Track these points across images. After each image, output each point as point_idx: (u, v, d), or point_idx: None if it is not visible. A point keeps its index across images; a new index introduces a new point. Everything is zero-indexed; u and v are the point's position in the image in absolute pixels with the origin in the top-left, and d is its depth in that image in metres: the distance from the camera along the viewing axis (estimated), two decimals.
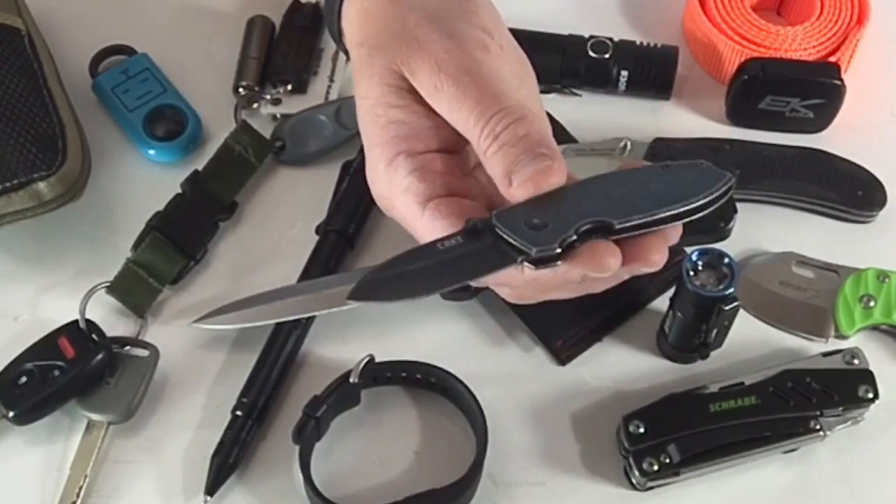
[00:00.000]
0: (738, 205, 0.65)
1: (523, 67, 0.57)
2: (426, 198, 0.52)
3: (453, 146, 0.55)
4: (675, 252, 0.66)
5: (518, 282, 0.53)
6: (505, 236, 0.49)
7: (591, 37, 0.73)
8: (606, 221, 0.50)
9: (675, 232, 0.53)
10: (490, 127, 0.51)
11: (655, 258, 0.51)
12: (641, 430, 0.59)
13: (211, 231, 0.68)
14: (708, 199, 0.51)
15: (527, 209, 0.50)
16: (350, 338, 0.65)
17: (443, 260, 0.50)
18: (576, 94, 0.74)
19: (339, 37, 0.60)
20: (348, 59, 0.62)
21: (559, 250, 0.49)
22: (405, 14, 0.54)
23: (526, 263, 0.49)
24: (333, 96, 0.74)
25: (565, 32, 0.74)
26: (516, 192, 0.50)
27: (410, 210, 0.53)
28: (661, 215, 0.51)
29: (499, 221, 0.50)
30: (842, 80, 0.70)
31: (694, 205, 0.51)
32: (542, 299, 0.57)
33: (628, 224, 0.51)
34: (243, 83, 0.73)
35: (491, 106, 0.51)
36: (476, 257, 0.49)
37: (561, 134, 0.70)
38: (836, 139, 0.72)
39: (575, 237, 0.50)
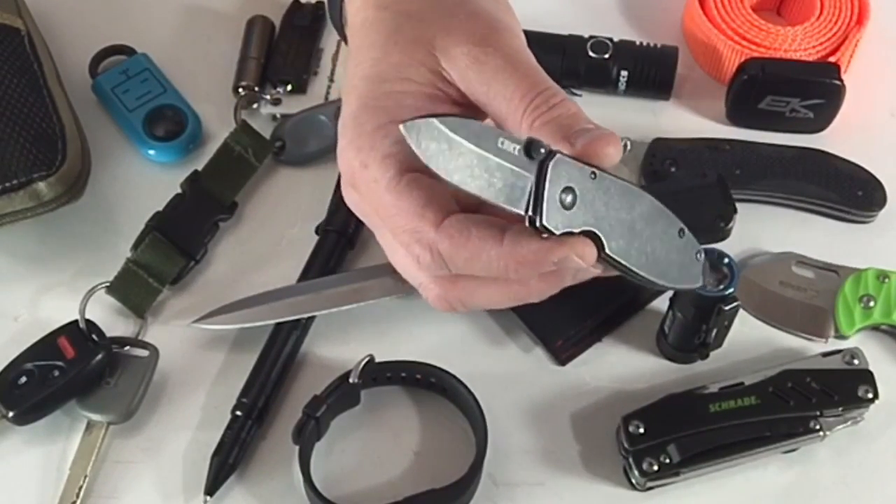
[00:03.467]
0: (738, 205, 0.65)
1: None
2: (407, 168, 0.51)
3: None
4: None
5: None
6: (541, 185, 0.48)
7: (591, 37, 0.73)
8: (601, 240, 0.50)
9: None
10: (543, 97, 0.50)
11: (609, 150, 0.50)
12: (641, 430, 0.59)
13: (211, 231, 0.68)
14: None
15: (578, 177, 0.49)
16: (350, 338, 0.65)
17: (491, 150, 0.48)
18: (576, 94, 0.74)
19: (338, 17, 0.59)
20: (342, 36, 0.61)
21: (557, 234, 0.48)
22: None
23: (528, 219, 0.48)
24: (333, 96, 0.74)
25: (565, 32, 0.74)
26: (572, 152, 0.49)
27: (385, 175, 0.51)
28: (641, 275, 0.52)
29: (556, 166, 0.48)
30: (842, 80, 0.70)
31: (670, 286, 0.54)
32: (533, 298, 0.56)
33: (611, 255, 0.50)
34: (243, 83, 0.73)
35: (542, 81, 0.51)
36: (511, 186, 0.48)
37: None
38: (836, 139, 0.72)
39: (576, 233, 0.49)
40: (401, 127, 0.48)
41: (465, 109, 0.55)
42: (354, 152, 0.53)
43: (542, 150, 0.48)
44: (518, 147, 0.48)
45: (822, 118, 0.72)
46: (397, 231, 0.53)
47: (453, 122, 0.48)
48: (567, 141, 0.50)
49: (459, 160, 0.48)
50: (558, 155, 0.48)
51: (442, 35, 0.52)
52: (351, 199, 0.57)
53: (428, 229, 0.51)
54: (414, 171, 0.51)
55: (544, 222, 0.48)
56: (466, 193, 0.48)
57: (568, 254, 0.49)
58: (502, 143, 0.48)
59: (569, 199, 0.48)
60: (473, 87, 0.53)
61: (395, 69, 0.53)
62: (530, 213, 0.48)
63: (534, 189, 0.48)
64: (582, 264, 0.49)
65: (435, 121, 0.48)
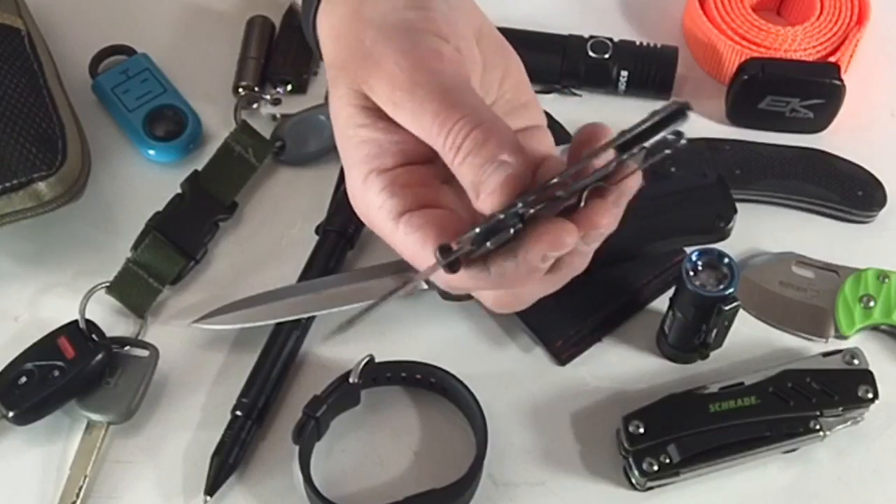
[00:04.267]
0: (738, 205, 0.65)
1: (501, 55, 0.55)
2: (398, 213, 0.51)
3: (424, 157, 0.53)
4: (675, 252, 0.67)
5: (486, 284, 0.52)
6: (455, 247, 0.48)
7: (591, 37, 0.73)
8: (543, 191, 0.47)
9: (627, 186, 0.49)
10: (451, 139, 0.49)
11: (603, 221, 0.49)
12: (641, 430, 0.59)
13: (211, 231, 0.68)
14: (648, 123, 0.47)
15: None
16: (350, 338, 0.65)
17: None
18: (576, 94, 0.74)
19: (318, 53, 0.60)
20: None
21: (511, 231, 0.47)
22: (363, 32, 0.53)
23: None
24: None
25: (565, 32, 0.74)
26: (483, 205, 0.49)
27: (386, 226, 0.52)
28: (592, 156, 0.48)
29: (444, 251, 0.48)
30: (842, 80, 0.70)
31: (630, 134, 0.47)
32: (522, 302, 0.55)
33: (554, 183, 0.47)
34: (243, 83, 0.73)
35: (450, 116, 0.50)
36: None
37: (561, 134, 0.70)
38: (836, 139, 0.72)
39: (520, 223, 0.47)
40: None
41: None
42: (359, 212, 0.54)
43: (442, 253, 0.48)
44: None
45: (822, 118, 0.72)
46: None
47: None
48: (475, 192, 0.49)
49: None
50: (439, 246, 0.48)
51: (364, 81, 0.52)
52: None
53: (433, 263, 0.51)
54: (405, 213, 0.51)
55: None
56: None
57: (538, 247, 0.48)
58: None
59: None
60: (405, 125, 0.52)
61: (349, 122, 0.53)
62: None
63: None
64: (559, 243, 0.48)
65: None
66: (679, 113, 0.46)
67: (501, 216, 0.47)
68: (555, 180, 0.47)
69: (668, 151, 0.46)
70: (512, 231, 0.47)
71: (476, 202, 0.49)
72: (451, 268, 0.48)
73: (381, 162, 0.52)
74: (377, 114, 0.53)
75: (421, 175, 0.53)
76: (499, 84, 0.55)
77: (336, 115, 0.54)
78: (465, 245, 0.47)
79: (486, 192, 0.48)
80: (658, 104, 0.75)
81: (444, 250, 0.48)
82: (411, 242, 0.51)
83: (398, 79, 0.51)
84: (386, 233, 0.52)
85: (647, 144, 0.46)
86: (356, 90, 0.53)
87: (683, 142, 0.46)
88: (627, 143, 0.47)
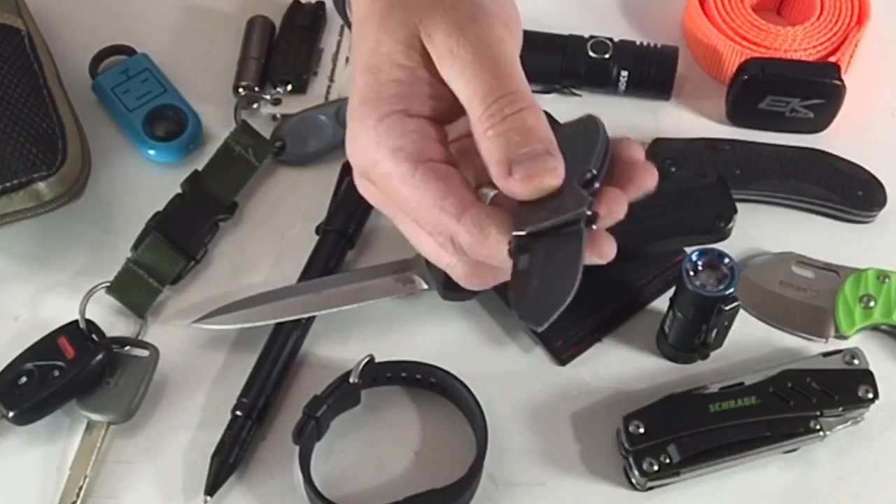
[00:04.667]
0: (738, 205, 0.65)
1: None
2: (418, 159, 0.50)
3: (443, 118, 0.53)
4: (675, 252, 0.67)
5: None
6: (553, 223, 0.48)
7: (591, 37, 0.73)
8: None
9: (645, 183, 0.51)
10: (498, 105, 0.49)
11: (617, 209, 0.50)
12: (641, 430, 0.59)
13: (211, 231, 0.68)
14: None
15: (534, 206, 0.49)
16: (350, 338, 0.65)
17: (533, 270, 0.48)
18: (576, 94, 0.74)
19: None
20: (348, 25, 0.60)
21: (583, 227, 0.48)
22: None
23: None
24: (333, 96, 0.74)
25: (565, 32, 0.74)
26: (514, 183, 0.48)
27: (399, 169, 0.50)
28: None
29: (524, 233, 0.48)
30: (842, 80, 0.70)
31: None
32: (497, 279, 0.55)
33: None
34: (243, 83, 0.73)
35: (504, 84, 0.50)
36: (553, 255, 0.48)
37: None
38: (836, 139, 0.72)
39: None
40: None
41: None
42: (362, 149, 0.52)
43: (522, 241, 0.48)
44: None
45: (822, 118, 0.72)
46: (420, 222, 0.52)
47: None
48: (508, 169, 0.49)
49: None
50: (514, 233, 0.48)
51: (426, 20, 0.52)
52: (366, 191, 0.56)
53: (448, 221, 0.50)
54: (427, 161, 0.50)
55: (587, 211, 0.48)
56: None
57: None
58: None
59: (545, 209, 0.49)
60: (448, 76, 0.51)
61: (386, 57, 0.52)
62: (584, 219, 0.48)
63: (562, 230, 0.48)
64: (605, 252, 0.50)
65: None
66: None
67: (571, 214, 0.47)
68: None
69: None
70: (584, 226, 0.48)
71: (504, 178, 0.49)
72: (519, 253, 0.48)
73: (411, 105, 0.51)
74: (420, 59, 0.52)
75: (437, 132, 0.52)
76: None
77: (372, 46, 0.53)
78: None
79: (523, 172, 0.48)
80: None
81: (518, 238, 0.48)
82: (430, 190, 0.50)
83: (466, 29, 0.50)
84: (396, 176, 0.51)
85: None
86: (411, 30, 0.52)
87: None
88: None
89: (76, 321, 0.63)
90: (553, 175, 0.49)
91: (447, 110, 0.52)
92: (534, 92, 0.53)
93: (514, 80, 0.50)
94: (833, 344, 0.64)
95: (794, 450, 0.61)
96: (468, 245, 0.50)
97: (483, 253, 0.50)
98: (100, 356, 0.62)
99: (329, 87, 0.74)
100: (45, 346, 0.62)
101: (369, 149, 0.52)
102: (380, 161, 0.51)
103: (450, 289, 0.63)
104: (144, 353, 0.63)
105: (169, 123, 0.71)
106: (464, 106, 0.51)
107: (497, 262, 0.51)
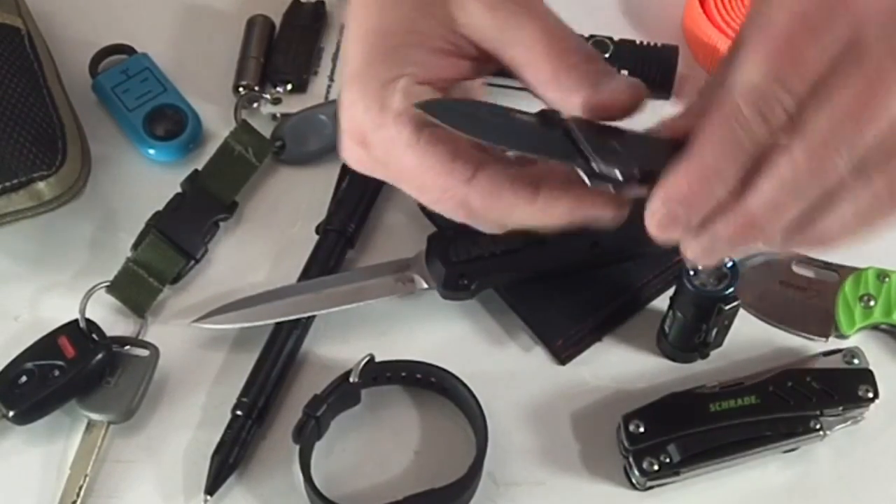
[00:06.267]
0: None
1: None
2: (424, 122, 0.49)
3: (447, 86, 0.53)
4: (675, 252, 0.66)
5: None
6: (575, 138, 0.47)
7: (591, 37, 0.73)
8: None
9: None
10: (567, 53, 0.50)
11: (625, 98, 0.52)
12: (641, 429, 0.59)
13: (211, 231, 0.68)
14: None
15: (598, 128, 0.49)
16: (350, 338, 0.65)
17: (513, 121, 0.48)
18: None
19: None
20: None
21: (621, 178, 0.47)
22: None
23: (581, 172, 0.48)
24: (333, 96, 0.74)
25: None
26: (599, 97, 0.49)
27: (403, 133, 0.49)
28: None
29: (574, 124, 0.48)
30: None
31: None
32: (501, 224, 0.53)
33: None
34: (243, 83, 0.73)
35: (564, 37, 0.51)
36: (544, 138, 0.47)
37: None
38: None
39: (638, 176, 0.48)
40: (415, 108, 0.48)
41: (477, 64, 0.53)
42: (363, 112, 0.51)
43: (554, 116, 0.48)
44: (530, 115, 0.48)
45: None
46: (423, 190, 0.51)
47: (466, 105, 0.49)
48: (592, 88, 0.49)
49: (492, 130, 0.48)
50: (572, 116, 0.48)
51: None
52: (355, 157, 0.54)
53: (458, 185, 0.49)
54: (433, 125, 0.49)
55: (604, 171, 0.47)
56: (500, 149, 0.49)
57: (601, 213, 0.49)
58: (515, 114, 0.48)
59: (603, 143, 0.48)
60: (487, 34, 0.51)
61: (402, 21, 0.51)
62: (592, 164, 0.47)
63: (570, 144, 0.48)
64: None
65: (449, 102, 0.48)
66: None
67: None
68: None
69: None
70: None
71: (591, 96, 0.49)
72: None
73: (416, 71, 0.51)
74: (440, 30, 0.51)
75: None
76: None
77: (392, 7, 0.52)
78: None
79: (611, 87, 0.50)
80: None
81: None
82: (437, 153, 0.49)
83: None
84: (399, 141, 0.50)
85: None
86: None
87: None
88: None
89: (76, 321, 0.63)
90: (641, 94, 0.50)
91: (456, 77, 0.52)
92: None
93: (568, 32, 0.51)
94: (833, 343, 0.64)
95: (793, 449, 0.61)
96: (480, 208, 0.49)
97: (497, 213, 0.50)
98: (100, 356, 0.62)
99: (329, 86, 0.75)
100: (46, 346, 0.62)
101: (370, 112, 0.51)
102: (383, 125, 0.50)
103: (450, 288, 0.63)
104: (144, 352, 0.63)
105: (169, 123, 0.71)
106: (515, 58, 0.51)
107: (512, 223, 0.50)
